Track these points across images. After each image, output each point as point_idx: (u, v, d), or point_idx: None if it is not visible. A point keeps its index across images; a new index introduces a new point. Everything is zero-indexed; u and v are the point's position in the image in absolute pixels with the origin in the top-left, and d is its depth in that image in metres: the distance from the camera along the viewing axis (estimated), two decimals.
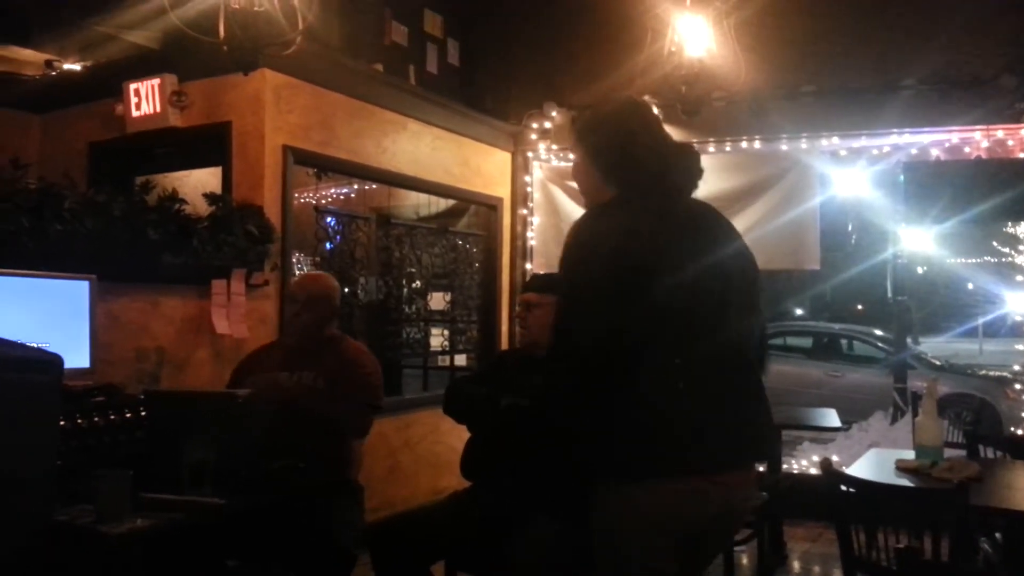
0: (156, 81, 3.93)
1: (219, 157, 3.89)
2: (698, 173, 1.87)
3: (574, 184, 5.96)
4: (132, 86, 4.00)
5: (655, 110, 1.98)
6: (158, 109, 3.94)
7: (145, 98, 3.98)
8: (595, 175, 1.87)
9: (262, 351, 3.11)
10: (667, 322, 1.68)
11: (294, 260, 4.21)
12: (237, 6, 3.11)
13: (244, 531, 2.36)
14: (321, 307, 2.91)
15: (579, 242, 1.74)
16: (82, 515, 1.94)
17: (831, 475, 2.50)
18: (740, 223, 5.18)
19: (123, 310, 3.18)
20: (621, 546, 1.73)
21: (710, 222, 1.87)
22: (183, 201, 3.36)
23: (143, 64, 4.03)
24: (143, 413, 2.42)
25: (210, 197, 3.60)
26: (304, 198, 5.50)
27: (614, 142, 1.85)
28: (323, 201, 5.75)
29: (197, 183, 4.18)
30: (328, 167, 4.48)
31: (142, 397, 2.50)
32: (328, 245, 4.35)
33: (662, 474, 1.68)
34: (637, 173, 1.82)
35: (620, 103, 1.98)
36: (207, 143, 3.96)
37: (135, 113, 4.01)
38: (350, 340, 3.03)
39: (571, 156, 1.96)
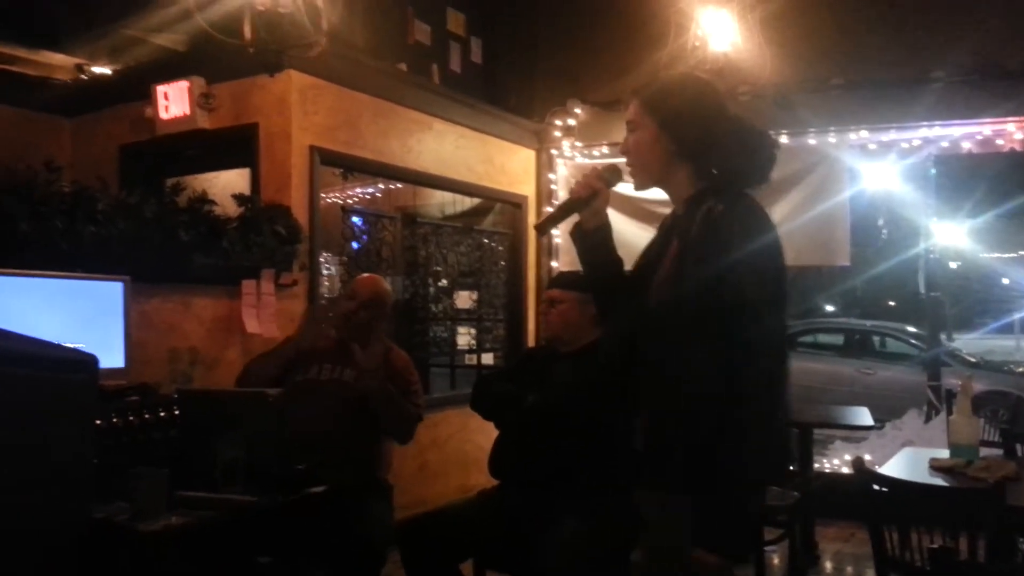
0: (184, 84, 3.97)
1: (247, 158, 3.93)
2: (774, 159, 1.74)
3: None
4: (161, 89, 4.05)
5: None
6: (187, 111, 3.98)
7: (174, 100, 4.02)
8: (668, 150, 1.70)
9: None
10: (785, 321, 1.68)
11: (321, 260, 4.24)
12: (262, 8, 3.15)
13: (276, 528, 2.38)
14: (378, 308, 2.97)
15: (734, 236, 1.59)
16: (119, 512, 1.98)
17: (864, 474, 2.47)
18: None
19: (156, 310, 3.23)
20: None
21: None
22: (213, 202, 3.40)
23: (171, 67, 4.07)
24: (176, 412, 2.46)
25: (239, 198, 3.64)
26: (331, 198, 5.54)
27: (696, 116, 1.68)
28: (349, 201, 5.78)
29: (226, 184, 4.22)
30: (354, 167, 4.51)
31: (175, 396, 2.54)
32: (355, 244, 4.38)
33: (775, 479, 1.65)
34: (730, 159, 1.68)
35: (695, 77, 1.80)
36: (235, 144, 4.00)
37: (164, 116, 4.05)
38: (397, 349, 3.07)
39: (627, 128, 1.75)
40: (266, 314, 3.52)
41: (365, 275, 3.27)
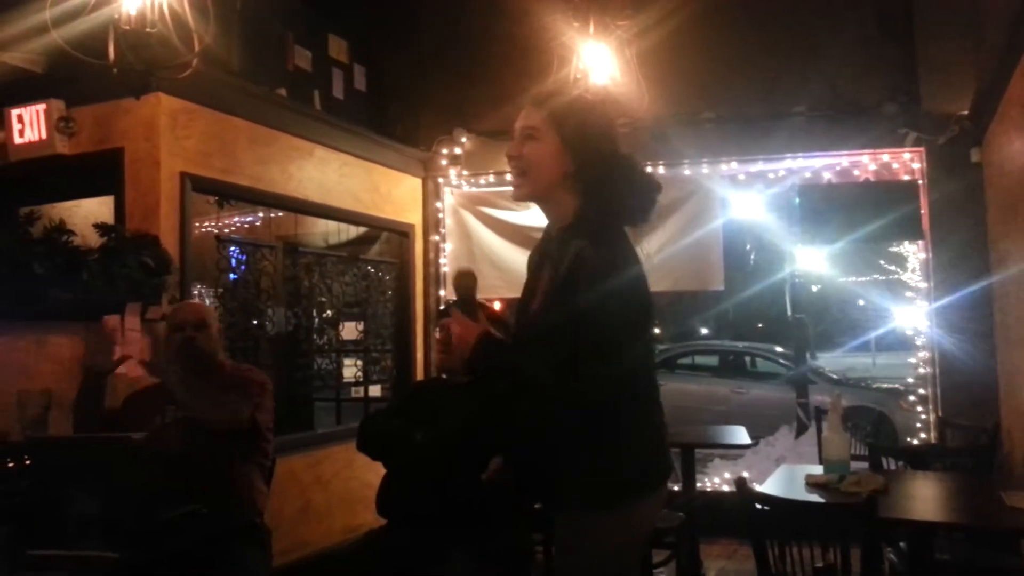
0: (41, 106, 3.70)
1: (111, 186, 3.69)
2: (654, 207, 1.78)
3: (486, 209, 6.05)
4: (15, 112, 3.76)
5: None
6: (44, 136, 3.71)
7: (29, 124, 3.75)
8: (565, 169, 1.70)
9: (149, 389, 2.94)
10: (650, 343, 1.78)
11: (195, 292, 4.02)
12: (128, 27, 2.96)
13: None
14: (211, 329, 2.87)
15: (603, 276, 1.62)
16: None
17: (747, 494, 2.54)
18: (647, 246, 5.32)
19: (5, 350, 2.96)
20: (610, 570, 1.69)
21: None
22: (71, 232, 3.16)
23: (27, 88, 3.79)
24: (27, 462, 2.23)
25: (101, 227, 3.40)
26: (205, 227, 5.28)
27: (599, 144, 1.71)
28: (226, 230, 5.54)
29: (88, 213, 3.95)
30: (230, 194, 4.32)
31: (26, 444, 2.32)
32: (232, 276, 4.18)
33: (653, 488, 1.71)
34: (617, 195, 1.71)
35: (602, 106, 1.86)
36: (98, 171, 3.74)
37: (18, 140, 3.76)
38: (239, 365, 3.00)
39: (529, 134, 1.73)
40: (131, 351, 3.28)
41: (184, 302, 3.24)
